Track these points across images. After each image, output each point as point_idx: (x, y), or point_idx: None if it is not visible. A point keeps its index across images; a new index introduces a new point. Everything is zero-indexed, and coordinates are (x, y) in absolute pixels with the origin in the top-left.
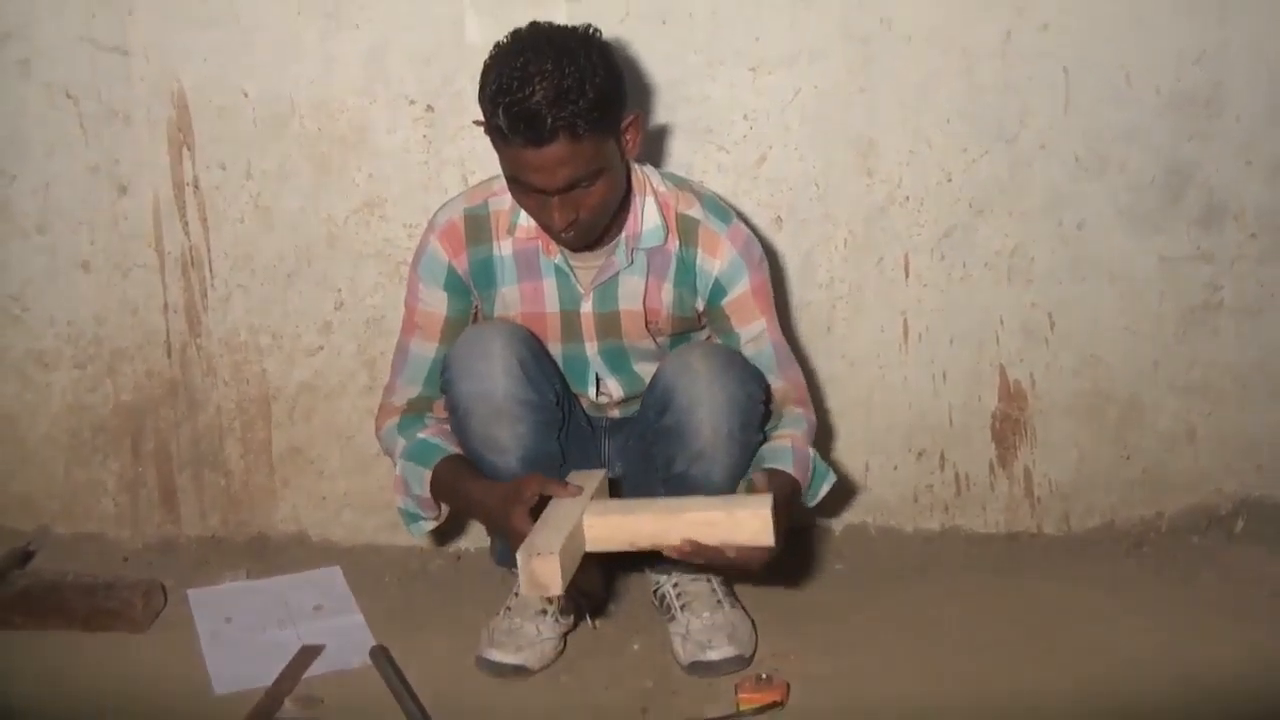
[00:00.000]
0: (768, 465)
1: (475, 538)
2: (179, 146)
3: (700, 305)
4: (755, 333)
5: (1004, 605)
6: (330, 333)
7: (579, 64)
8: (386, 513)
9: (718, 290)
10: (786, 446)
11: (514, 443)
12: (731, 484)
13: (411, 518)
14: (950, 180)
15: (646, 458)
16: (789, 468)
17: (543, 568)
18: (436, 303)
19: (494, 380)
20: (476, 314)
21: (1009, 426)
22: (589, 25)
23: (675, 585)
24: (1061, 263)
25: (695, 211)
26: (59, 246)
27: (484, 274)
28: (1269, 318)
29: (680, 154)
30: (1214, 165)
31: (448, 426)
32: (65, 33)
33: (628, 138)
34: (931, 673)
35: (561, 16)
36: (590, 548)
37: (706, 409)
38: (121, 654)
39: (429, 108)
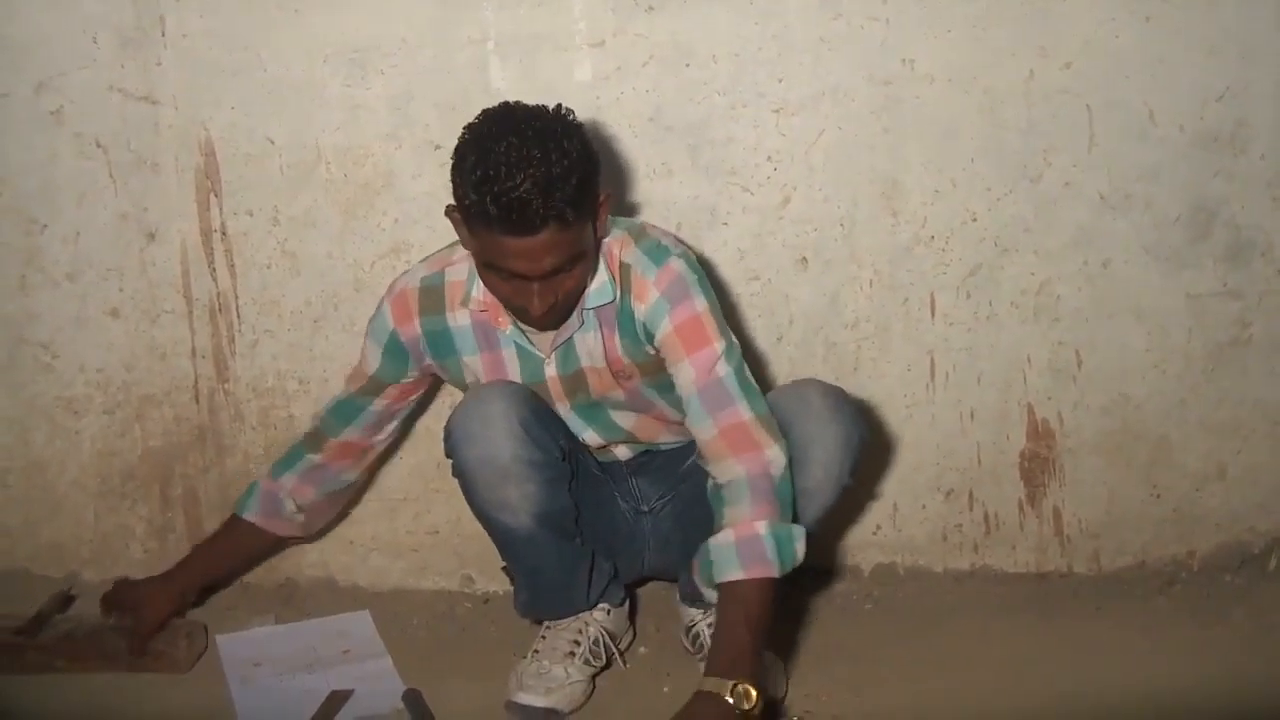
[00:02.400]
0: (719, 580)
1: (503, 580)
2: (207, 194)
3: (651, 350)
4: (680, 372)
5: (1035, 645)
6: None
7: (564, 149)
8: (413, 556)
9: (647, 334)
10: (729, 541)
11: (524, 502)
12: (821, 525)
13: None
14: (975, 219)
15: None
16: (739, 573)
17: None
18: (371, 359)
19: (497, 444)
20: (420, 384)
21: (1038, 465)
22: (560, 105)
23: (710, 625)
24: (1088, 301)
25: (629, 256)
26: (89, 294)
27: (440, 343)
28: None
29: (704, 196)
30: (1240, 202)
31: (283, 495)
32: (96, 83)
33: (600, 219)
34: (962, 713)
35: (585, 62)
36: None
37: (821, 448)
38: (164, 695)
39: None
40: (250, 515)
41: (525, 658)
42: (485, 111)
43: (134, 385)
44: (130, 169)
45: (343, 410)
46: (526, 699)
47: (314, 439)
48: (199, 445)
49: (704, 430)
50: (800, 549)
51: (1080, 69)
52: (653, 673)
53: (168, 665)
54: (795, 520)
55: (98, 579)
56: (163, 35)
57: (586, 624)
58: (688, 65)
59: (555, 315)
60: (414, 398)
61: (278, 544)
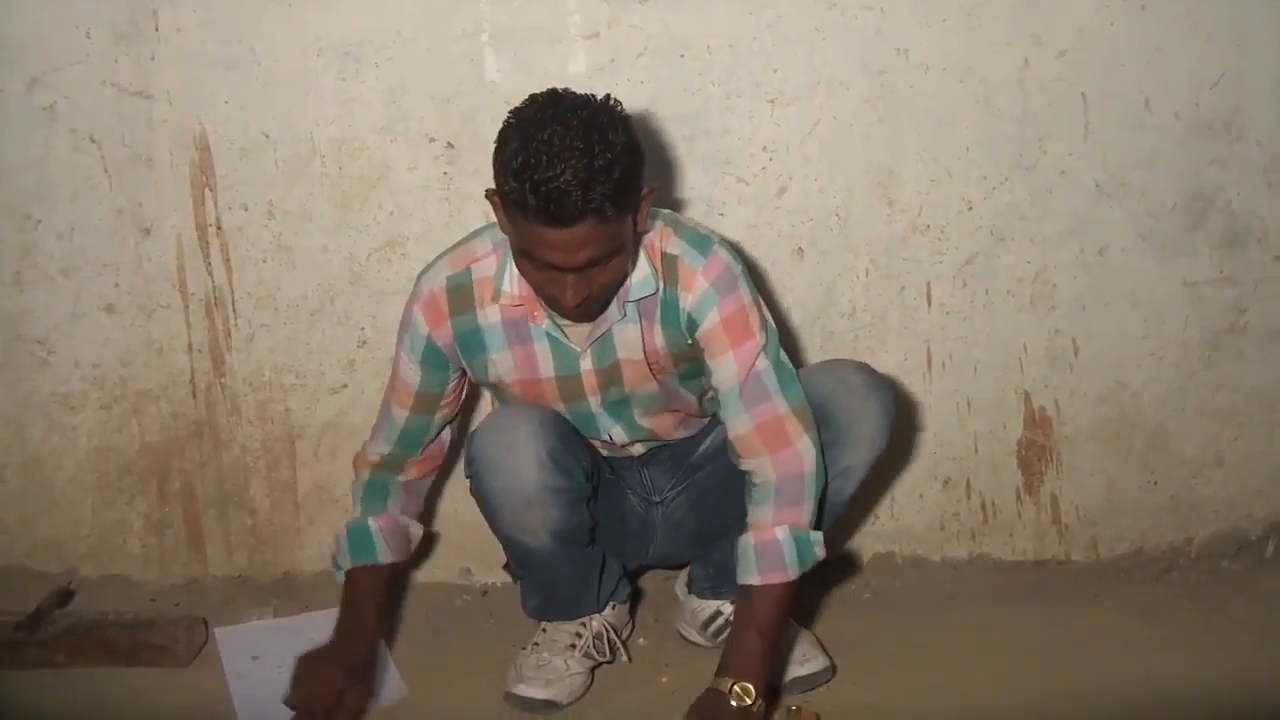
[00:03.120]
0: (740, 581)
1: (501, 574)
2: (201, 188)
3: (689, 340)
4: (721, 365)
5: (1033, 633)
6: (354, 371)
7: (608, 141)
8: None
9: (691, 324)
10: (750, 545)
11: (546, 525)
12: (855, 499)
13: (336, 565)
14: (971, 208)
15: (731, 473)
16: (756, 578)
17: None
18: (411, 374)
19: (524, 475)
20: (463, 380)
21: (1035, 453)
22: (609, 95)
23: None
24: (1084, 289)
25: (673, 247)
26: (84, 289)
27: (471, 342)
28: None
29: (700, 186)
30: (1235, 189)
31: (401, 518)
32: (89, 78)
33: (642, 212)
34: (961, 702)
35: (580, 54)
36: None
37: (866, 425)
38: (164, 689)
39: (449, 145)
40: (386, 558)
41: (525, 649)
42: (532, 96)
43: (130, 380)
44: (125, 164)
45: (411, 435)
46: (526, 691)
47: (394, 464)
48: (196, 440)
49: (740, 424)
50: (819, 550)
51: (1075, 57)
52: (651, 664)
53: (167, 659)
54: (824, 502)
55: (96, 574)
56: (156, 30)
57: (589, 617)
58: (682, 56)
59: (588, 308)
60: (464, 394)
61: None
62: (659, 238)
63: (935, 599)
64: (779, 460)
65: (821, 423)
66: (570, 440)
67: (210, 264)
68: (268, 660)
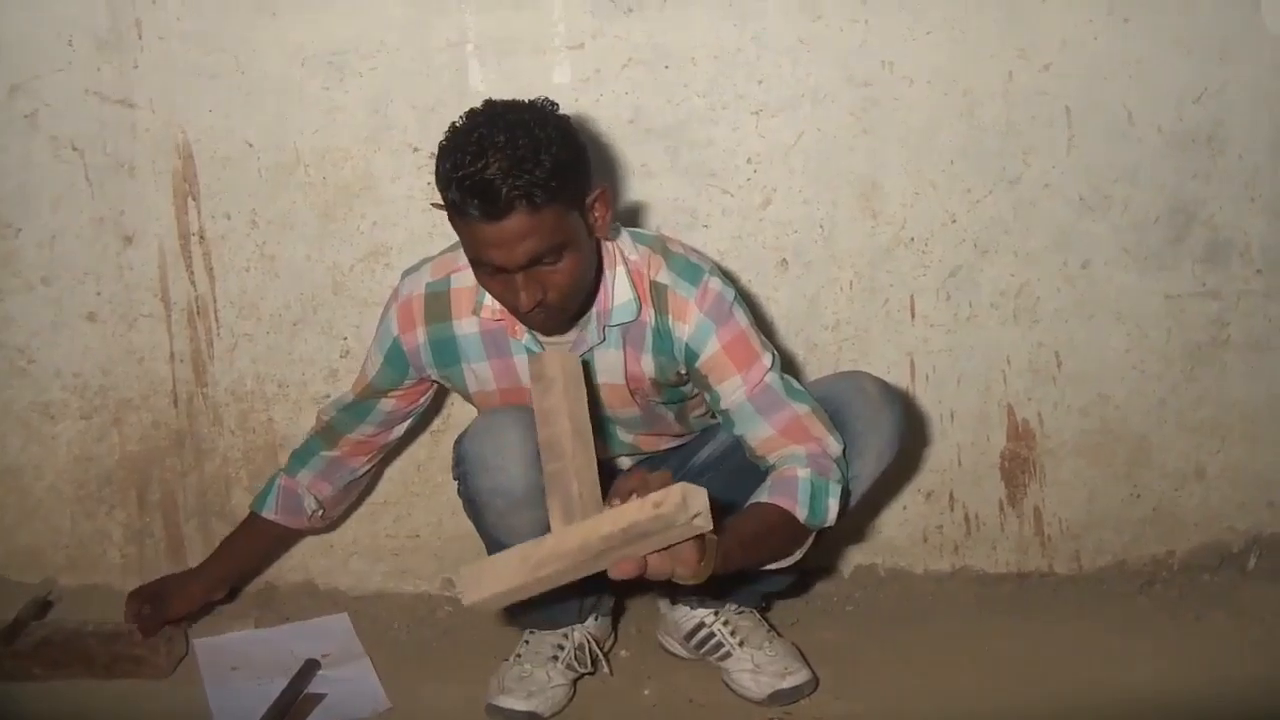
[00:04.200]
0: (752, 500)
1: None
2: (184, 197)
3: (682, 370)
4: (732, 390)
5: (1015, 645)
6: (337, 381)
7: (533, 135)
8: (394, 560)
9: (690, 354)
10: (766, 484)
11: (532, 526)
12: (859, 508)
13: None
14: (954, 221)
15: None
16: (764, 497)
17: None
18: (372, 365)
19: (512, 475)
20: (420, 387)
21: (1018, 466)
22: (544, 98)
23: (726, 623)
24: (1067, 302)
25: (663, 277)
26: (65, 298)
27: (444, 351)
28: (1277, 354)
29: (684, 197)
30: (1218, 203)
31: (303, 491)
32: (72, 86)
33: (596, 214)
34: (943, 713)
35: (564, 64)
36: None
37: (877, 434)
38: (143, 701)
39: (433, 155)
40: (270, 513)
41: (507, 661)
42: (469, 110)
43: (111, 390)
44: (107, 172)
45: (355, 410)
46: (508, 702)
47: (328, 435)
48: (177, 450)
49: (759, 431)
50: (834, 508)
51: (1059, 70)
52: (634, 676)
53: (148, 670)
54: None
55: (75, 584)
56: (139, 38)
57: (572, 629)
58: (667, 67)
59: (548, 313)
60: (424, 399)
61: (297, 537)
62: (648, 266)
63: (918, 611)
64: (810, 448)
65: (836, 427)
66: None
67: (193, 273)
68: (246, 671)
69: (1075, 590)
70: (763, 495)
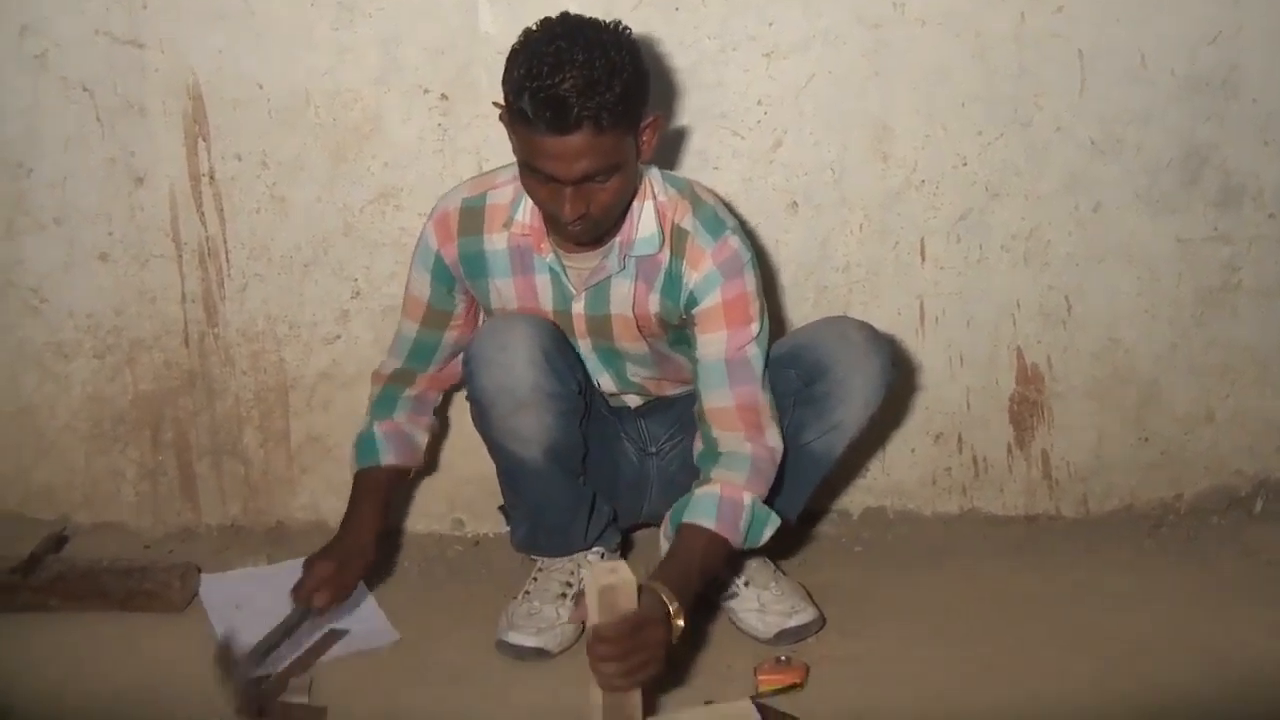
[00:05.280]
0: (687, 520)
1: (494, 523)
2: (194, 138)
3: (684, 315)
4: (711, 342)
5: (1023, 587)
6: (347, 321)
7: (609, 57)
8: (405, 499)
9: (690, 300)
10: (714, 495)
11: (537, 434)
12: (846, 457)
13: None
14: (966, 164)
15: None
16: (710, 523)
17: None
18: (421, 286)
19: (517, 372)
20: (474, 307)
21: (1026, 409)
22: (619, 21)
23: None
24: (1078, 245)
25: (687, 223)
26: (77, 238)
27: (474, 264)
28: None
29: (695, 140)
30: (1231, 146)
31: (407, 425)
32: (81, 26)
33: (645, 138)
34: (950, 655)
35: (575, 6)
36: None
37: (862, 380)
38: (159, 634)
39: (443, 96)
40: (389, 459)
41: (516, 598)
42: (545, 18)
43: (124, 329)
44: (117, 113)
45: (421, 350)
46: (517, 639)
47: (404, 376)
48: (189, 389)
49: (719, 398)
50: (767, 535)
51: (1072, 12)
52: None
53: (161, 605)
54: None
55: (89, 522)
56: None
57: (579, 566)
58: (677, 9)
59: (586, 226)
60: (476, 320)
61: (404, 484)
62: (674, 209)
63: (926, 553)
64: (755, 442)
65: (819, 374)
66: (565, 349)
67: (203, 214)
68: (251, 608)
69: (1083, 533)
70: (709, 519)
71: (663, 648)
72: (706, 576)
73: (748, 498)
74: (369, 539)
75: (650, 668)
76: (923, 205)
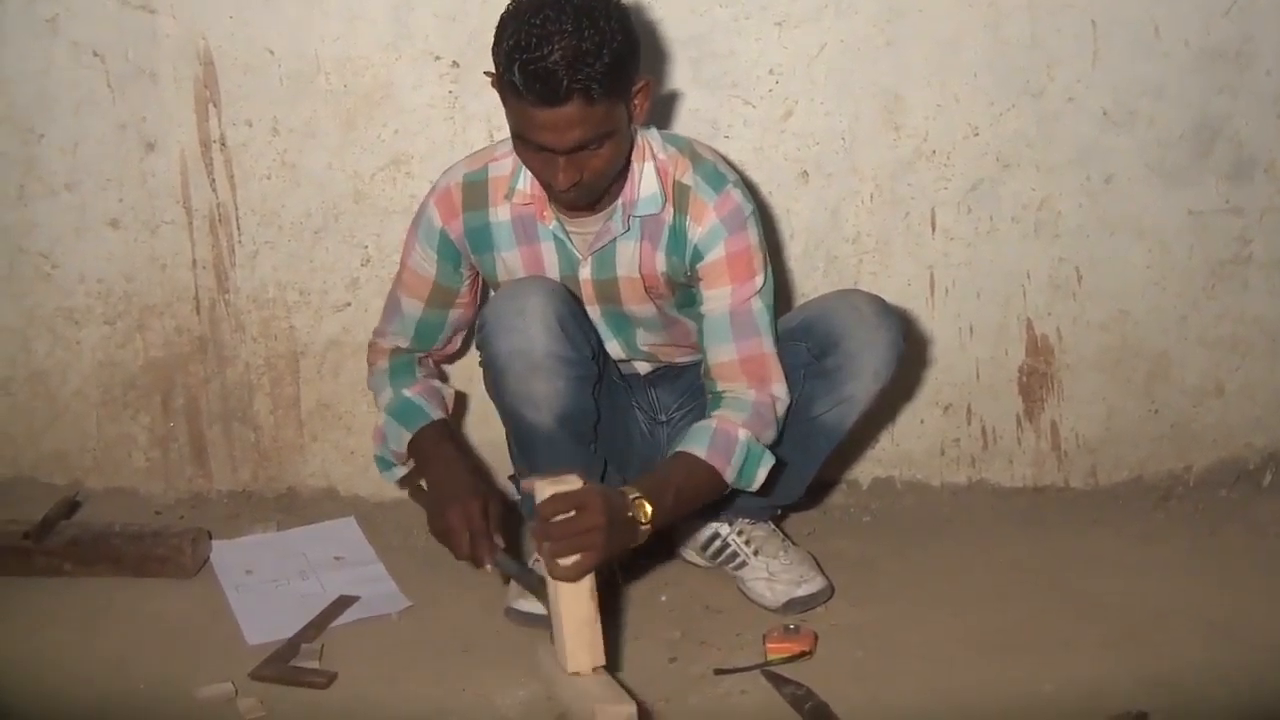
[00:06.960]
0: (679, 448)
1: (504, 491)
2: (205, 104)
3: (689, 272)
4: (716, 297)
5: (1031, 558)
6: (358, 289)
7: (598, 26)
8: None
9: (695, 255)
10: (708, 427)
11: (550, 399)
12: (855, 430)
13: (385, 464)
14: (977, 134)
15: None
16: (701, 450)
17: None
18: (428, 265)
19: (532, 336)
20: (477, 282)
21: (1036, 380)
22: None
23: (740, 533)
24: (1089, 217)
25: (688, 179)
26: (88, 204)
27: (480, 238)
28: None
29: (706, 108)
30: (1244, 119)
31: (434, 382)
32: None
33: (636, 103)
34: (957, 625)
35: None
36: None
37: (873, 353)
38: (170, 597)
39: (454, 64)
40: (437, 413)
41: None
42: None
43: (135, 295)
44: (128, 79)
45: (426, 329)
46: (526, 606)
47: (412, 354)
48: (200, 356)
49: (723, 351)
50: (761, 476)
51: None
52: (651, 583)
53: (173, 570)
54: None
55: (101, 487)
56: None
57: None
58: None
59: (581, 192)
60: (478, 298)
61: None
62: (675, 166)
63: (934, 523)
64: (759, 392)
65: (830, 347)
66: (580, 316)
67: (214, 180)
68: (261, 574)
69: (1091, 505)
70: (700, 447)
71: (602, 532)
72: (686, 497)
73: (743, 434)
74: (478, 471)
75: (590, 550)
76: (934, 175)
